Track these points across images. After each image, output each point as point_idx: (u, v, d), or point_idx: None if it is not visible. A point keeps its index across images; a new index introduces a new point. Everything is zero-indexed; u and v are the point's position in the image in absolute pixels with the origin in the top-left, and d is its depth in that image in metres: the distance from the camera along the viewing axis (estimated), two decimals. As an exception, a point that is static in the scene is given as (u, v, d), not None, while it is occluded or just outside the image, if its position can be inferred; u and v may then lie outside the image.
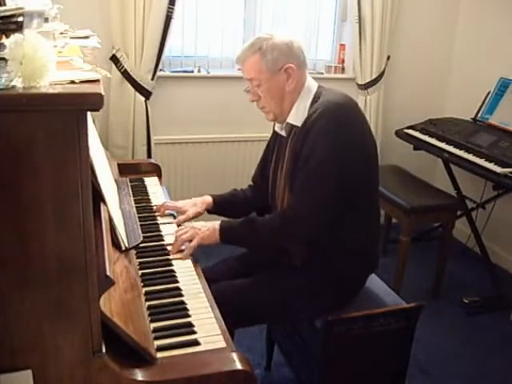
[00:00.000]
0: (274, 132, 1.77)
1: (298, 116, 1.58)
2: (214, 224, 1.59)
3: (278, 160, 1.70)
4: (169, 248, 1.55)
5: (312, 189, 1.50)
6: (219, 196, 1.84)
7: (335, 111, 1.50)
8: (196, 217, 1.77)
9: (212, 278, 1.46)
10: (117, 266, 1.23)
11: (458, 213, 2.88)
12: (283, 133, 1.66)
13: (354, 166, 1.51)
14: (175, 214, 1.77)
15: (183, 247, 1.54)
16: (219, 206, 1.83)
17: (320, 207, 1.52)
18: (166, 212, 1.77)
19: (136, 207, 1.76)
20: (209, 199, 1.82)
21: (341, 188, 1.50)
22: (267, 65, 1.54)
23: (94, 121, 1.68)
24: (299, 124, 1.57)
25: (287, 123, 1.62)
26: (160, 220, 1.74)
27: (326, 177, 1.49)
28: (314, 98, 1.59)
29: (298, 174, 1.54)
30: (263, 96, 1.59)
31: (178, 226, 1.71)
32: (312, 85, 1.62)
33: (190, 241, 1.55)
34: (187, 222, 1.73)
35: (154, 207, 1.80)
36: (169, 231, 1.66)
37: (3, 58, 0.86)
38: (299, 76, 1.58)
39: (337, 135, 1.48)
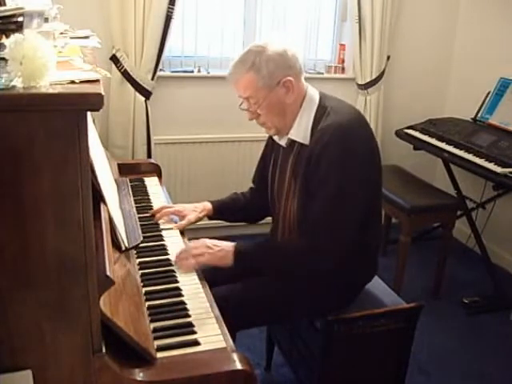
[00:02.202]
0: (271, 138, 1.73)
1: (299, 131, 1.53)
2: (228, 246, 1.51)
3: (276, 169, 1.67)
4: (169, 249, 1.55)
5: (330, 221, 1.44)
6: (219, 202, 1.82)
7: (345, 135, 1.44)
8: (196, 222, 1.75)
9: (211, 280, 1.45)
10: (117, 266, 1.23)
11: (458, 213, 2.88)
12: (282, 143, 1.62)
13: (364, 186, 1.49)
14: (177, 219, 1.75)
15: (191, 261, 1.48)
16: (219, 212, 1.80)
17: (340, 240, 1.46)
18: (165, 218, 1.74)
19: (136, 207, 1.75)
20: (208, 206, 1.79)
21: (357, 212, 1.48)
22: (263, 81, 1.46)
23: (93, 121, 1.68)
24: (302, 140, 1.52)
25: (289, 138, 1.57)
26: (160, 220, 1.74)
27: (342, 208, 1.44)
28: (317, 111, 1.52)
29: (312, 203, 1.48)
30: (263, 113, 1.51)
31: (181, 231, 1.69)
32: (314, 95, 1.55)
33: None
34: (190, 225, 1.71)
35: (150, 211, 1.76)
36: (169, 232, 1.67)
37: (3, 58, 0.87)
38: (298, 86, 1.51)
39: (347, 163, 1.43)
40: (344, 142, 1.44)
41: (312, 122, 1.52)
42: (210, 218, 1.81)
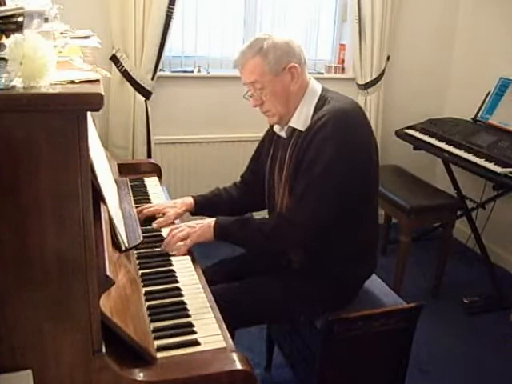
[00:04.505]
0: (270, 131, 1.74)
1: (300, 120, 1.55)
2: (209, 221, 1.56)
3: (275, 161, 1.67)
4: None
5: (311, 197, 1.47)
6: (201, 196, 1.81)
7: (341, 119, 1.47)
8: (176, 218, 1.73)
9: (211, 279, 1.45)
10: (117, 266, 1.23)
11: (458, 213, 2.88)
12: (283, 134, 1.63)
13: (356, 174, 1.49)
14: None
15: (179, 244, 1.53)
16: (201, 207, 1.79)
17: (316, 215, 1.48)
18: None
19: (136, 207, 1.75)
20: (189, 200, 1.78)
21: (341, 197, 1.48)
22: (270, 65, 1.49)
23: (94, 121, 1.67)
24: (302, 128, 1.54)
25: (289, 126, 1.59)
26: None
27: (326, 186, 1.46)
28: (319, 101, 1.55)
29: (299, 179, 1.51)
30: (267, 99, 1.53)
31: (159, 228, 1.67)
32: (316, 87, 1.59)
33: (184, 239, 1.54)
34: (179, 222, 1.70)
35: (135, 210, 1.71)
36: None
37: (3, 58, 0.86)
38: (302, 76, 1.54)
39: (341, 144, 1.45)
40: (342, 122, 1.46)
41: (312, 111, 1.54)
42: (192, 213, 1.79)
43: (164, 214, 1.71)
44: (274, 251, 1.68)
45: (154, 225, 1.67)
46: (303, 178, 1.49)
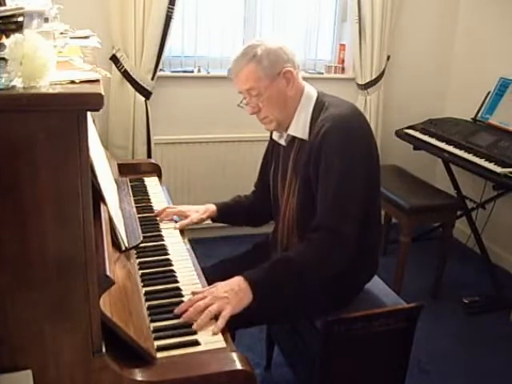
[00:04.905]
0: (271, 139, 1.74)
1: (298, 127, 1.54)
2: (237, 283, 1.35)
3: (277, 169, 1.67)
4: (169, 249, 1.55)
5: (343, 205, 1.43)
6: (223, 204, 1.81)
7: (345, 124, 1.46)
8: (199, 223, 1.74)
9: (211, 279, 1.44)
10: (117, 266, 1.23)
11: (458, 213, 2.88)
12: (282, 141, 1.63)
13: (361, 179, 1.47)
14: (177, 218, 1.76)
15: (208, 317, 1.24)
16: (222, 215, 1.80)
17: (355, 216, 1.44)
18: (167, 218, 1.74)
19: (136, 207, 1.75)
20: (213, 207, 1.78)
21: (361, 194, 1.46)
22: (265, 71, 1.48)
23: (94, 121, 1.68)
24: (301, 136, 1.53)
25: (288, 134, 1.58)
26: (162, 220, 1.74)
27: (349, 188, 1.43)
28: (316, 107, 1.54)
29: (321, 192, 1.46)
30: (264, 105, 1.52)
31: (181, 231, 1.68)
32: (311, 92, 1.58)
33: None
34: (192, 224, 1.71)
35: (155, 210, 1.78)
36: (169, 232, 1.66)
37: (3, 58, 0.86)
38: (297, 80, 1.54)
39: (349, 148, 1.44)
40: (344, 129, 1.45)
41: (310, 117, 1.53)
42: (214, 220, 1.81)
43: (186, 217, 1.73)
44: (325, 274, 1.50)
45: (177, 225, 1.69)
46: (323, 191, 1.45)
